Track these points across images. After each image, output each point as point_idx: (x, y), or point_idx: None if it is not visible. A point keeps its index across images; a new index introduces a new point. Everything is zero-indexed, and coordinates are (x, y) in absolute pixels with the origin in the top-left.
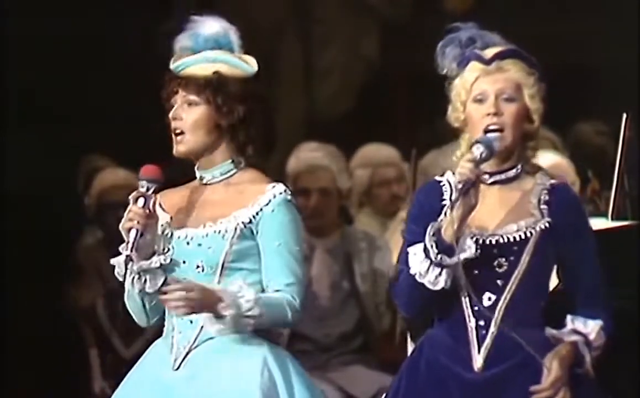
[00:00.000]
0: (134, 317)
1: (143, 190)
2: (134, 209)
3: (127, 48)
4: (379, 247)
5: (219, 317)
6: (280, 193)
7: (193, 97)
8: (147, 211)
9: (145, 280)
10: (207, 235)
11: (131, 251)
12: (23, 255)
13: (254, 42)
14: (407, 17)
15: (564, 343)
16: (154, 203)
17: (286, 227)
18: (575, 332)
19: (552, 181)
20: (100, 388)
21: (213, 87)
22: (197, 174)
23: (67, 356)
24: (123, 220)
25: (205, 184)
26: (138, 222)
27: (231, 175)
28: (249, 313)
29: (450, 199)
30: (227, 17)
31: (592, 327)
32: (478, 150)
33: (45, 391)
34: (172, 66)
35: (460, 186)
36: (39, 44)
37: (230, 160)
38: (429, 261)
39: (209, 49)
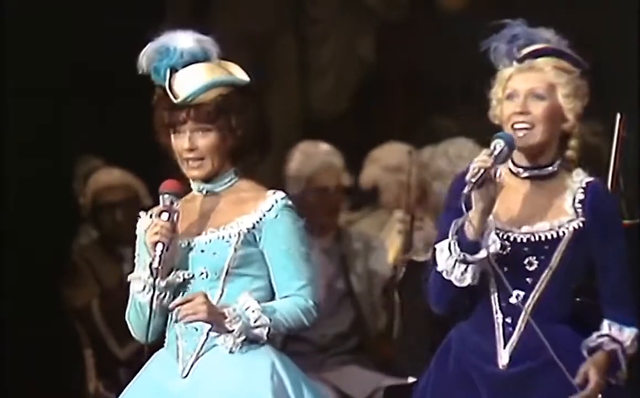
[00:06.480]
0: (134, 332)
1: (167, 203)
2: (161, 223)
3: (121, 50)
4: (374, 248)
5: (228, 332)
6: (282, 198)
7: (205, 125)
8: (172, 225)
9: (165, 295)
10: (210, 241)
11: (159, 265)
12: (18, 256)
13: (249, 42)
14: (403, 17)
15: (601, 352)
16: (177, 217)
17: (291, 230)
18: (612, 339)
19: (588, 179)
20: (95, 388)
21: (224, 112)
22: (196, 186)
23: (61, 356)
24: (148, 234)
25: (204, 195)
26: (164, 236)
27: (232, 185)
28: (258, 323)
29: (465, 193)
30: (222, 17)
31: (627, 335)
32: (498, 145)
33: (40, 391)
34: (177, 100)
35: (473, 180)
36: (38, 44)
37: (232, 171)
38: (454, 258)
39: (184, 64)
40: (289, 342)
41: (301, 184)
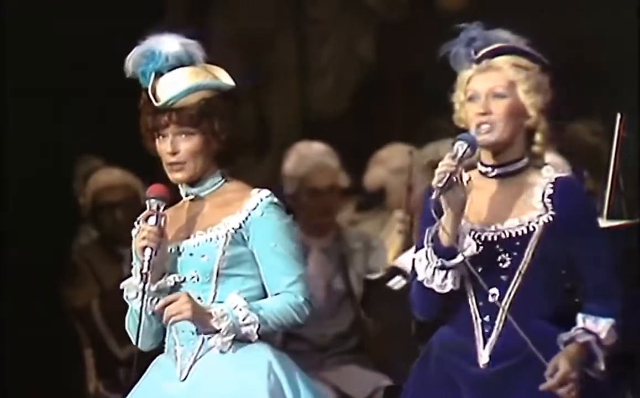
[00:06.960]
0: (135, 340)
1: (154, 208)
2: (148, 228)
3: (120, 50)
4: (374, 248)
5: (215, 331)
6: (267, 196)
7: (187, 128)
8: (159, 229)
9: (158, 300)
10: (198, 244)
11: (148, 270)
12: (18, 256)
13: (249, 42)
14: (403, 17)
15: (574, 343)
16: (165, 221)
17: (278, 227)
18: (586, 331)
19: (558, 174)
20: (95, 388)
21: (207, 116)
22: (183, 191)
23: (61, 356)
24: (136, 240)
25: (191, 199)
26: (152, 240)
27: (219, 188)
28: (246, 320)
29: (433, 200)
30: (222, 17)
31: (603, 326)
32: (460, 147)
33: (40, 391)
34: (159, 104)
35: (440, 185)
36: (38, 44)
37: (218, 173)
38: (432, 267)
39: (170, 67)
40: (289, 341)
41: (296, 184)
